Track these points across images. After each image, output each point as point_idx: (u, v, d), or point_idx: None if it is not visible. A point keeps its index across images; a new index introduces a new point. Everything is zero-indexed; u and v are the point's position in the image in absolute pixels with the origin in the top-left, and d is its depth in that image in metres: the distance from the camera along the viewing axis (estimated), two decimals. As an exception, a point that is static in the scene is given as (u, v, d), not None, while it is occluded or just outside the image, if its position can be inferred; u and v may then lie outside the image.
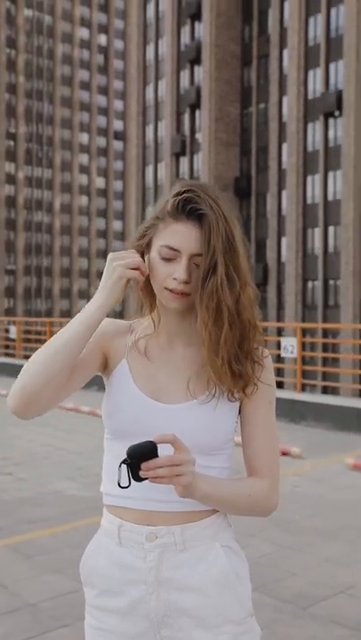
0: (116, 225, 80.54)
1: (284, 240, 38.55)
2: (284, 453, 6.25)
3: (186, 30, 46.06)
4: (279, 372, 26.68)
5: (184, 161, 45.89)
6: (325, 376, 23.37)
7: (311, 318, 36.06)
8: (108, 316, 1.27)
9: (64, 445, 6.99)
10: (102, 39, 79.77)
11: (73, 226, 76.71)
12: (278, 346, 9.34)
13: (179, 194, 1.17)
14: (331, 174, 36.18)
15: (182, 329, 1.25)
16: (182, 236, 1.16)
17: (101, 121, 79.59)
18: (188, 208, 1.16)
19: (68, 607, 3.13)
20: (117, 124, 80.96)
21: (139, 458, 1.04)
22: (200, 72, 43.93)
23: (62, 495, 5.07)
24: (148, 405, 1.20)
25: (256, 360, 1.20)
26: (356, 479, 5.58)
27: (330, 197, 36.17)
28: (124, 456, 1.14)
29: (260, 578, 3.42)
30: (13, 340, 15.78)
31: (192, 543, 1.20)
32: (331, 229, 36.20)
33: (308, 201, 37.18)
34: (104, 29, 79.94)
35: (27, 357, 15.38)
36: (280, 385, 20.14)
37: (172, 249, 1.17)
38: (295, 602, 3.21)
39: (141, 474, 1.05)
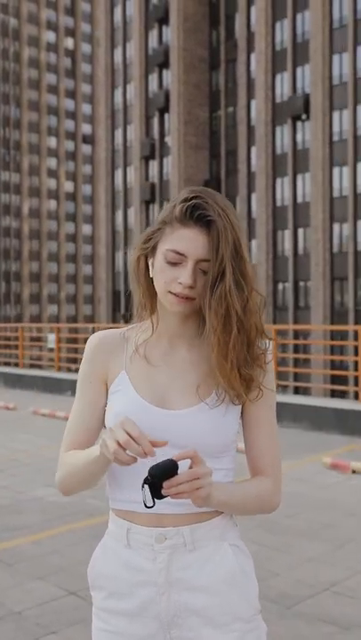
0: (86, 229, 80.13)
1: (254, 242, 38.85)
2: (263, 454, 6.28)
3: (154, 34, 46.16)
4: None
5: (153, 164, 45.93)
6: (297, 376, 23.60)
7: (282, 320, 36.40)
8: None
9: (43, 452, 6.93)
10: (69, 42, 79.40)
11: (42, 230, 76.09)
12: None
13: (187, 200, 1.18)
14: (300, 177, 36.61)
15: (184, 332, 1.26)
16: (189, 241, 1.17)
17: (69, 124, 79.17)
18: (196, 214, 1.17)
19: (54, 614, 3.10)
20: (86, 128, 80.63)
21: (161, 477, 1.06)
22: (168, 76, 44.07)
23: (43, 502, 5.02)
24: (152, 413, 1.21)
25: (261, 365, 1.22)
26: (334, 478, 5.64)
27: (299, 200, 36.60)
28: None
29: (246, 578, 3.44)
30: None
31: (201, 543, 1.21)
32: (300, 231, 36.62)
33: (278, 203, 37.55)
34: (71, 33, 79.58)
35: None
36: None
37: (178, 253, 1.17)
38: (280, 601, 3.23)
39: (164, 492, 1.06)
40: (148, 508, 1.09)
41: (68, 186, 78.81)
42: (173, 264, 1.18)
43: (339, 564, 3.72)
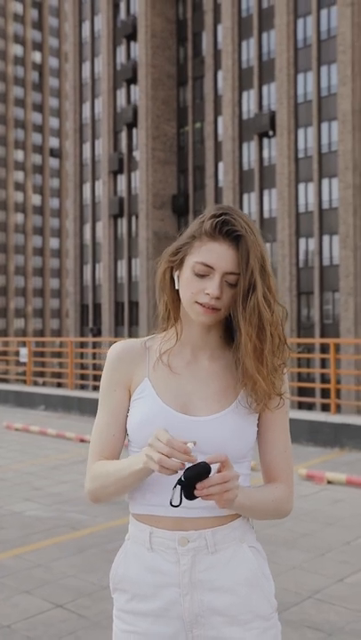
0: (53, 242, 79.67)
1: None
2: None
3: (122, 50, 46.47)
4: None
5: (122, 178, 46.04)
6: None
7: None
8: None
9: (18, 466, 6.87)
10: (37, 56, 79.34)
11: (9, 243, 75.36)
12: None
13: (216, 216, 1.25)
14: (266, 192, 37.15)
15: (206, 343, 1.32)
16: (218, 254, 1.23)
17: (37, 138, 78.88)
18: (225, 230, 1.23)
19: (42, 627, 3.11)
20: (53, 142, 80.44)
21: (195, 479, 1.11)
22: (136, 91, 44.37)
23: (23, 516, 4.99)
24: (176, 419, 1.26)
25: (281, 374, 1.29)
26: (310, 488, 5.74)
27: (265, 215, 37.11)
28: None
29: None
30: None
31: (222, 545, 1.27)
32: (267, 246, 37.02)
33: (245, 218, 37.96)
34: (38, 47, 79.54)
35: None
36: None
37: (206, 265, 1.24)
38: (266, 609, 3.29)
39: (197, 493, 1.11)
40: (174, 507, 1.14)
41: (36, 199, 78.35)
42: (201, 276, 1.24)
43: (320, 572, 3.81)
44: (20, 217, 76.71)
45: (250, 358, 1.23)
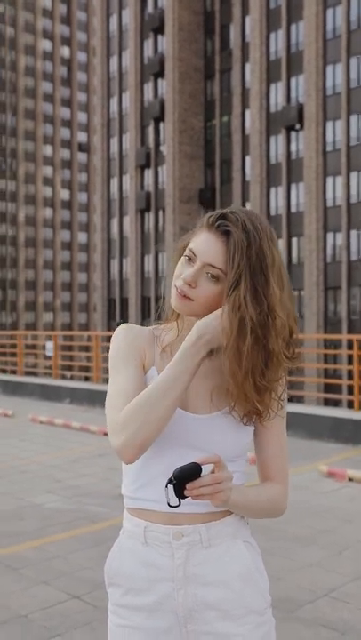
0: (81, 237, 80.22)
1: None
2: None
3: (149, 43, 46.46)
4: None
5: (149, 173, 46.11)
6: (291, 385, 23.65)
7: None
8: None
9: (41, 458, 6.97)
10: (65, 51, 79.75)
11: (37, 238, 76.13)
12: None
13: (222, 211, 1.26)
14: (293, 186, 36.83)
15: None
16: (204, 244, 1.24)
17: (65, 133, 79.39)
18: (218, 223, 1.23)
19: (59, 617, 3.16)
20: (81, 136, 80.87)
21: (184, 479, 1.12)
22: (163, 85, 44.33)
23: (42, 508, 5.07)
24: (177, 415, 1.26)
25: (274, 396, 1.25)
26: (331, 486, 5.72)
27: (293, 209, 36.81)
28: (150, 462, 1.22)
29: (246, 583, 3.50)
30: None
31: (216, 540, 1.28)
32: (294, 241, 36.81)
33: (272, 212, 37.75)
34: (67, 42, 79.94)
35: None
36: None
37: (192, 252, 1.25)
38: (281, 606, 3.29)
39: (186, 493, 1.12)
40: (173, 507, 1.15)
41: (64, 194, 78.94)
42: (188, 262, 1.25)
43: (337, 570, 3.79)
44: (48, 211, 77.39)
45: (227, 358, 1.20)
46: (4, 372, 15.55)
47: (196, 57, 43.71)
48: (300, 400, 23.81)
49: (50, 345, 12.63)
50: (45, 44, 77.85)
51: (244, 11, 40.13)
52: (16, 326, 70.94)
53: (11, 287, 73.98)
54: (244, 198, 39.73)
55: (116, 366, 1.30)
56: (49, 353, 12.71)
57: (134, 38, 47.12)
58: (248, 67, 39.48)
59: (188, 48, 43.26)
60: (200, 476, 1.13)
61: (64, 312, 77.21)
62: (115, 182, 50.21)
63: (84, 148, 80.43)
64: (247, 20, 39.83)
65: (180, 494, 1.13)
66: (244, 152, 39.90)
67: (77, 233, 79.76)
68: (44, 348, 14.14)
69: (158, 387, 1.20)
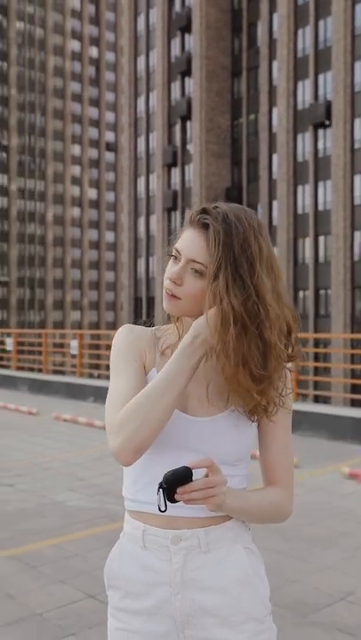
0: (109, 236, 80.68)
1: (275, 250, 38.72)
2: (282, 462, 6.31)
3: (176, 42, 46.48)
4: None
5: (175, 172, 46.14)
6: (317, 385, 23.46)
7: (303, 328, 36.22)
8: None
9: (64, 456, 7.03)
10: (94, 51, 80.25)
11: (65, 237, 76.80)
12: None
13: (204, 206, 1.24)
14: (321, 184, 36.49)
15: None
16: (187, 240, 1.22)
17: (93, 132, 79.92)
18: (197, 217, 1.22)
19: (74, 616, 3.19)
20: (109, 136, 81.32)
21: (174, 483, 1.10)
22: (191, 83, 44.30)
23: (64, 506, 5.11)
24: (177, 417, 1.24)
25: (275, 389, 1.22)
26: (352, 487, 5.65)
27: (320, 207, 36.47)
28: (150, 465, 1.22)
29: (262, 585, 3.48)
30: (9, 352, 15.80)
31: (215, 545, 1.26)
32: (321, 239, 36.47)
33: (299, 211, 37.47)
34: (95, 42, 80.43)
35: (20, 369, 15.41)
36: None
37: (177, 250, 1.24)
38: (297, 609, 3.27)
39: (177, 497, 1.11)
40: (162, 512, 1.13)
41: (92, 193, 79.48)
42: (174, 262, 1.24)
43: (355, 573, 3.75)
44: (76, 211, 78.01)
45: (214, 352, 1.18)
46: (32, 370, 15.73)
47: (224, 55, 43.59)
48: (326, 401, 23.60)
49: (74, 344, 12.72)
50: (74, 45, 78.45)
51: (272, 7, 39.87)
52: (44, 325, 71.66)
53: (39, 286, 74.74)
54: (271, 197, 39.49)
55: (117, 367, 1.29)
56: (73, 351, 12.80)
57: (162, 37, 47.18)
58: (275, 64, 39.22)
59: (215, 46, 43.17)
60: (192, 480, 1.11)
61: (91, 311, 77.75)
62: (142, 181, 50.36)
63: (112, 147, 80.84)
64: (275, 16, 39.57)
65: (171, 499, 1.11)
66: (271, 150, 39.66)
67: (105, 232, 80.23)
68: (70, 346, 14.26)
69: (155, 388, 1.18)
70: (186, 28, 45.12)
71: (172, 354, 1.28)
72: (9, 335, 16.10)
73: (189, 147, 44.51)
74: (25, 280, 73.75)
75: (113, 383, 1.27)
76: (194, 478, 1.12)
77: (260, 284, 1.18)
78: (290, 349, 1.24)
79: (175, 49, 46.64)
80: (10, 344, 15.36)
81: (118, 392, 1.24)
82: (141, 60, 51.22)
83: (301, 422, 8.15)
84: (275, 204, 39.09)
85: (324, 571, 3.78)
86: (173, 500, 1.12)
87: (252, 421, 1.26)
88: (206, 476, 1.14)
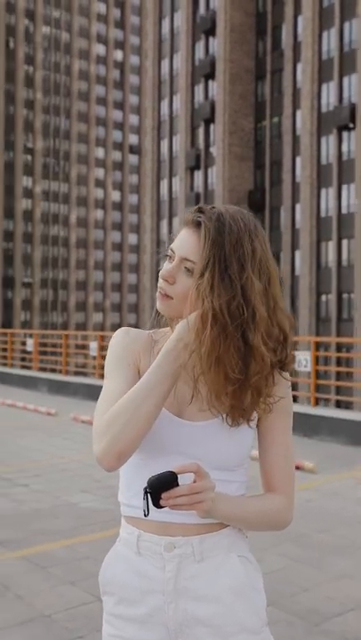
0: (132, 238, 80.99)
1: (297, 253, 38.54)
2: (297, 467, 6.26)
3: (200, 45, 46.53)
4: (293, 386, 26.56)
5: (198, 174, 46.15)
6: (339, 390, 23.24)
7: (325, 332, 35.94)
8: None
9: (81, 457, 7.05)
10: (118, 55, 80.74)
11: (89, 239, 77.27)
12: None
13: (200, 205, 1.22)
14: (345, 187, 36.19)
15: None
16: (180, 239, 1.21)
17: (117, 135, 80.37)
18: (192, 217, 1.20)
19: (82, 619, 3.17)
20: (133, 139, 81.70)
21: (158, 488, 1.08)
22: (214, 86, 44.30)
23: (77, 507, 5.11)
24: (170, 421, 1.22)
25: (257, 394, 1.18)
26: (369, 494, 5.57)
27: (343, 210, 36.17)
28: (143, 469, 1.20)
29: (273, 592, 3.44)
30: (30, 353, 15.92)
31: (209, 554, 1.23)
32: (344, 242, 36.15)
33: (322, 214, 37.20)
34: (120, 45, 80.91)
35: (42, 370, 15.52)
36: (294, 399, 20.09)
37: (171, 249, 1.23)
38: (308, 617, 3.22)
39: (162, 503, 1.08)
40: (145, 516, 1.11)
41: (115, 195, 79.89)
42: (169, 261, 1.23)
43: (369, 582, 3.68)
44: (99, 213, 78.48)
45: (190, 351, 1.15)
46: (54, 371, 15.82)
47: (248, 58, 43.51)
48: (348, 406, 23.37)
49: (94, 345, 12.77)
50: (99, 48, 79.00)
51: (297, 10, 39.71)
52: (67, 326, 72.15)
53: (62, 287, 75.29)
54: (294, 200, 39.28)
55: (109, 371, 1.27)
56: (93, 353, 12.85)
57: (186, 40, 47.27)
58: (300, 66, 39.04)
59: (239, 49, 43.11)
60: (177, 485, 1.08)
61: (114, 312, 78.10)
62: (165, 184, 50.47)
63: (136, 150, 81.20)
64: (299, 19, 39.39)
65: (156, 504, 1.09)
66: (295, 153, 39.46)
67: (128, 234, 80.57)
68: (90, 348, 14.32)
69: (137, 393, 1.15)
70: (210, 32, 45.14)
71: None
72: (30, 336, 16.21)
73: (212, 149, 44.49)
74: (48, 282, 74.36)
75: (104, 386, 1.25)
76: (181, 483, 1.09)
77: (248, 286, 1.15)
78: (283, 354, 1.21)
79: (199, 52, 46.69)
80: (30, 345, 15.48)
81: (107, 397, 1.22)
82: (165, 63, 51.37)
83: (320, 427, 8.07)
84: (298, 207, 38.87)
85: (337, 579, 3.72)
86: (159, 506, 1.09)
87: (231, 425, 1.21)
88: (194, 481, 1.11)
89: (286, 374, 1.25)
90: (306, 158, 37.71)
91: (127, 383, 1.22)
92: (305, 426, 8.08)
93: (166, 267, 1.22)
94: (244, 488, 1.28)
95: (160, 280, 1.22)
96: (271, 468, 1.27)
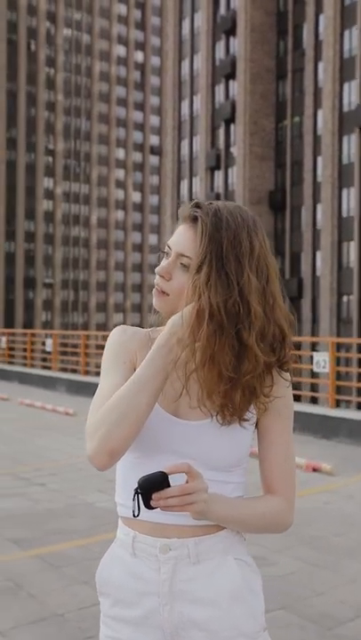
0: (152, 239, 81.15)
1: (318, 254, 38.26)
2: (315, 469, 6.21)
3: (221, 45, 46.46)
4: (313, 388, 26.36)
5: (219, 175, 46.08)
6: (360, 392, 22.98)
7: (346, 333, 35.63)
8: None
9: (96, 458, 7.06)
10: (139, 56, 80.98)
11: (109, 240, 77.60)
12: (311, 360, 9.29)
13: (197, 200, 1.21)
14: (367, 187, 35.87)
15: None
16: (177, 234, 1.20)
17: (137, 136, 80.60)
18: (188, 212, 1.19)
19: (94, 619, 3.17)
20: (153, 139, 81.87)
21: (148, 489, 1.06)
22: (235, 86, 44.20)
23: (93, 507, 5.13)
24: (166, 421, 1.21)
25: (250, 393, 1.16)
26: (387, 497, 5.50)
27: (366, 210, 35.84)
28: (138, 468, 1.18)
29: (287, 596, 3.41)
30: (50, 353, 16.02)
31: (205, 556, 1.21)
32: (365, 242, 35.83)
33: (344, 214, 36.89)
34: (141, 47, 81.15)
35: (63, 370, 15.62)
36: (314, 400, 19.91)
37: (168, 246, 1.22)
38: (321, 622, 3.19)
39: (152, 504, 1.06)
40: (135, 517, 1.10)
41: (136, 196, 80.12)
42: (166, 258, 1.22)
43: (385, 586, 3.64)
44: (120, 214, 78.77)
45: (182, 347, 1.14)
46: (74, 371, 15.90)
47: (268, 57, 43.33)
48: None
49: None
50: (120, 50, 79.32)
51: (318, 9, 39.45)
52: (87, 327, 72.53)
53: (82, 288, 75.71)
54: (315, 200, 39.02)
55: (105, 369, 1.25)
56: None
57: (206, 41, 47.23)
58: (321, 66, 38.78)
59: (260, 49, 42.95)
60: (168, 486, 1.06)
61: (134, 313, 78.32)
62: (185, 184, 50.47)
63: (156, 150, 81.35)
64: (321, 18, 39.13)
65: (147, 504, 1.07)
66: (316, 153, 39.20)
67: (148, 235, 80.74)
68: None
69: (128, 389, 1.14)
70: (230, 31, 45.04)
71: None
72: (49, 336, 16.30)
73: (233, 150, 44.39)
74: (69, 282, 74.82)
75: (100, 384, 1.24)
76: (173, 483, 1.07)
77: (246, 284, 1.14)
78: (281, 353, 1.19)
79: (220, 52, 46.63)
80: (50, 345, 15.57)
81: (102, 395, 1.20)
82: (186, 64, 51.38)
83: (340, 429, 8.00)
84: (319, 207, 38.60)
85: (351, 583, 3.68)
86: (150, 507, 1.07)
87: (222, 424, 1.19)
88: (187, 482, 1.09)
89: (286, 374, 1.23)
90: (327, 158, 37.44)
91: (123, 380, 1.20)
92: (324, 427, 8.01)
93: (163, 263, 1.21)
94: (241, 489, 1.26)
95: (156, 276, 1.21)
96: (270, 469, 1.25)
